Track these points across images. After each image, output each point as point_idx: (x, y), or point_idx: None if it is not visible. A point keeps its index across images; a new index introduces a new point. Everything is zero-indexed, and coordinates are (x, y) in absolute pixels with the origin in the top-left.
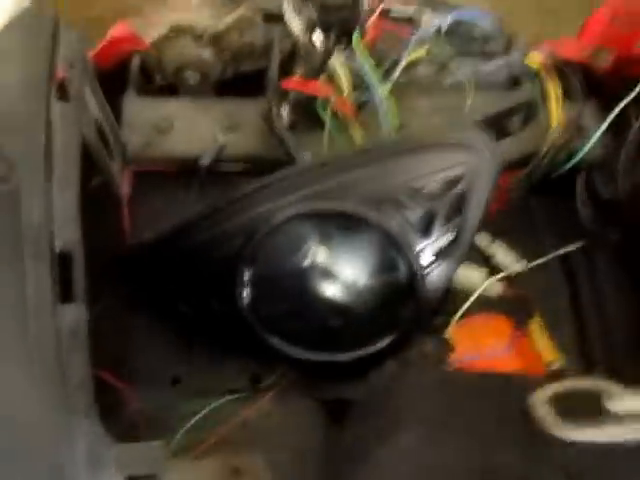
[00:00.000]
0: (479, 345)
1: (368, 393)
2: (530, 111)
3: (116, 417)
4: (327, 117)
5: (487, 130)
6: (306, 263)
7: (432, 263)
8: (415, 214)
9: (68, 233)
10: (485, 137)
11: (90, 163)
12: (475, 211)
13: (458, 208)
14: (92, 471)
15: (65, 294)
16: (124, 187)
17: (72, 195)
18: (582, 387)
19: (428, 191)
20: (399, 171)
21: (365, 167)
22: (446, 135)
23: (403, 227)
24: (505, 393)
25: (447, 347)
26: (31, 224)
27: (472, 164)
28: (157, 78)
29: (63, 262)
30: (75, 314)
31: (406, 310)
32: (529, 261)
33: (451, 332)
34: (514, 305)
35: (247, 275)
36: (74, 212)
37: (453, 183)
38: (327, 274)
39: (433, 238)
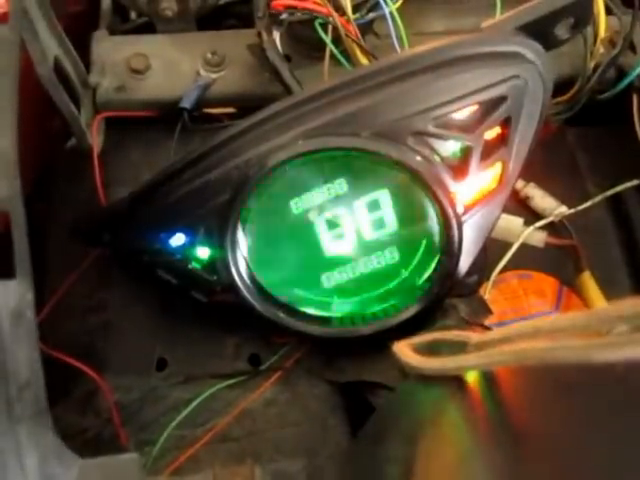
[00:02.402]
0: (520, 306)
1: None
2: (581, 12)
3: (87, 414)
4: (328, 39)
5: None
6: (311, 217)
7: (469, 209)
8: (446, 148)
9: (4, 190)
10: (533, 44)
11: (48, 106)
12: (522, 142)
13: (500, 139)
14: None
15: (3, 268)
16: (95, 137)
17: (9, 142)
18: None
19: (461, 118)
20: (423, 94)
21: (379, 91)
22: (480, 43)
23: (432, 165)
24: None
25: (485, 310)
26: None
27: (518, 80)
28: (133, 16)
29: None
30: (18, 292)
31: (438, 269)
32: (572, 205)
33: (485, 292)
34: (558, 257)
35: (239, 236)
36: (12, 163)
37: (493, 106)
38: (338, 229)
39: (470, 177)
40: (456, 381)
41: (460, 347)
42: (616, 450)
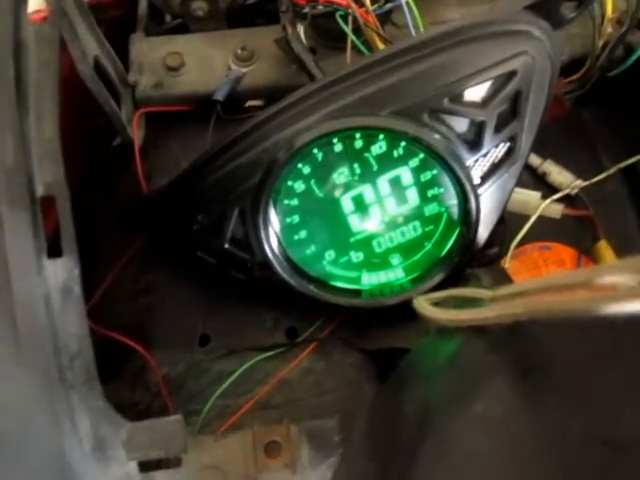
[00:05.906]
0: (540, 276)
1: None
2: None
3: (138, 389)
4: (349, 30)
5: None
6: (337, 194)
7: (485, 181)
8: (461, 123)
9: (49, 174)
10: (540, 23)
11: (92, 104)
12: (533, 114)
13: (511, 112)
14: (98, 456)
15: (51, 246)
16: (136, 131)
17: (52, 129)
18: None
19: (474, 94)
20: (437, 73)
21: (396, 73)
22: (490, 23)
23: (448, 140)
24: None
25: (506, 280)
26: (4, 165)
27: (527, 56)
28: (167, 18)
29: (45, 208)
30: (65, 269)
31: (458, 240)
32: (588, 178)
33: (506, 263)
34: (576, 228)
35: (271, 215)
36: (55, 149)
37: (504, 82)
38: (363, 205)
39: (484, 151)
40: (471, 330)
41: (476, 303)
42: (621, 383)
